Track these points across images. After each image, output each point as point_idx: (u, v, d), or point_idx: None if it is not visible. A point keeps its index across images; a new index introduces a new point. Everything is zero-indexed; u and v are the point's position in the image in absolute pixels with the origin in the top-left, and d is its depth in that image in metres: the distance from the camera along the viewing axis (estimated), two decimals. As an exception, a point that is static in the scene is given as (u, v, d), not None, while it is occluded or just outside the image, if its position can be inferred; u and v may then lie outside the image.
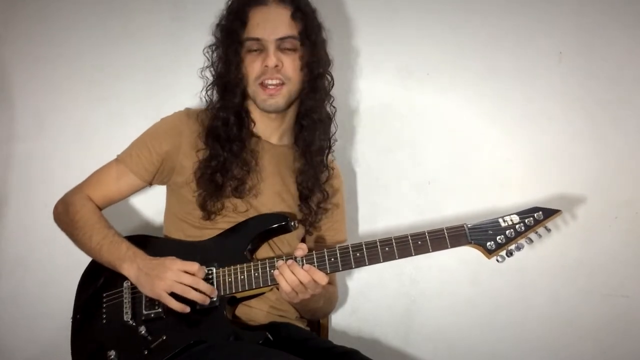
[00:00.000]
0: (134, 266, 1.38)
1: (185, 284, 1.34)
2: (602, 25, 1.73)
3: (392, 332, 1.85)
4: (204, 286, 1.35)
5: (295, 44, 1.44)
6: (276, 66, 1.42)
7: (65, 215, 1.50)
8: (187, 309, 1.35)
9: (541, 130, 1.77)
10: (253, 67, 1.43)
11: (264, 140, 1.54)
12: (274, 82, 1.43)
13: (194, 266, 1.35)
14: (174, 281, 1.33)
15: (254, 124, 1.52)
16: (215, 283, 1.38)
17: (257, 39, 1.42)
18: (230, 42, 1.44)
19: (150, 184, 1.54)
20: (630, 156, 1.73)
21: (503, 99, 1.79)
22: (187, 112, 1.54)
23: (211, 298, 1.36)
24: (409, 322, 1.84)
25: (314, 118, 1.51)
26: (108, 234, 1.44)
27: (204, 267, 1.37)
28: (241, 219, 1.47)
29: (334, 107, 1.57)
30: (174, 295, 1.34)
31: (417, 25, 1.82)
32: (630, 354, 1.73)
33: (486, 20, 1.79)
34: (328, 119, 1.55)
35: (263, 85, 1.44)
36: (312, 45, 1.45)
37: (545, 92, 1.77)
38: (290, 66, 1.44)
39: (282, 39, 1.42)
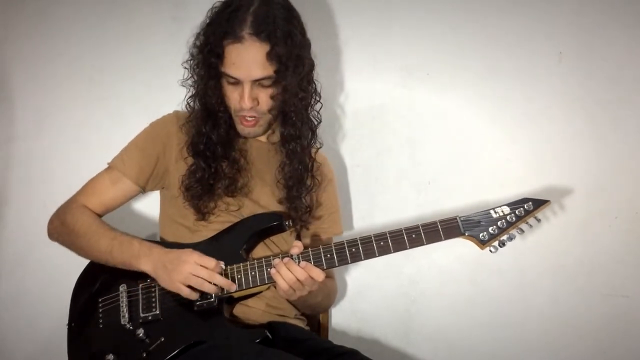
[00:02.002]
0: (151, 260, 1.38)
1: (201, 277, 1.34)
2: (602, 25, 1.73)
3: (392, 332, 1.85)
4: (219, 280, 1.36)
5: (271, 81, 1.39)
6: (251, 107, 1.40)
7: (63, 227, 1.49)
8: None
9: (541, 130, 1.77)
10: (232, 97, 1.42)
11: (252, 138, 1.53)
12: (250, 117, 1.43)
13: (211, 262, 1.35)
14: (190, 274, 1.34)
15: None
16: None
17: (234, 77, 1.39)
18: (210, 76, 1.42)
19: (144, 189, 1.53)
20: (630, 156, 1.73)
21: (503, 99, 1.78)
22: (177, 114, 1.54)
23: (209, 298, 1.37)
24: (409, 322, 1.84)
25: (295, 148, 1.48)
26: (115, 235, 1.44)
27: (221, 262, 1.37)
28: (234, 217, 1.47)
29: (315, 134, 1.52)
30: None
31: (417, 25, 1.82)
32: (630, 354, 1.73)
33: (486, 20, 1.79)
34: (309, 148, 1.51)
35: (241, 117, 1.44)
36: (290, 80, 1.39)
37: (545, 92, 1.76)
38: (265, 103, 1.41)
39: (257, 80, 1.38)
